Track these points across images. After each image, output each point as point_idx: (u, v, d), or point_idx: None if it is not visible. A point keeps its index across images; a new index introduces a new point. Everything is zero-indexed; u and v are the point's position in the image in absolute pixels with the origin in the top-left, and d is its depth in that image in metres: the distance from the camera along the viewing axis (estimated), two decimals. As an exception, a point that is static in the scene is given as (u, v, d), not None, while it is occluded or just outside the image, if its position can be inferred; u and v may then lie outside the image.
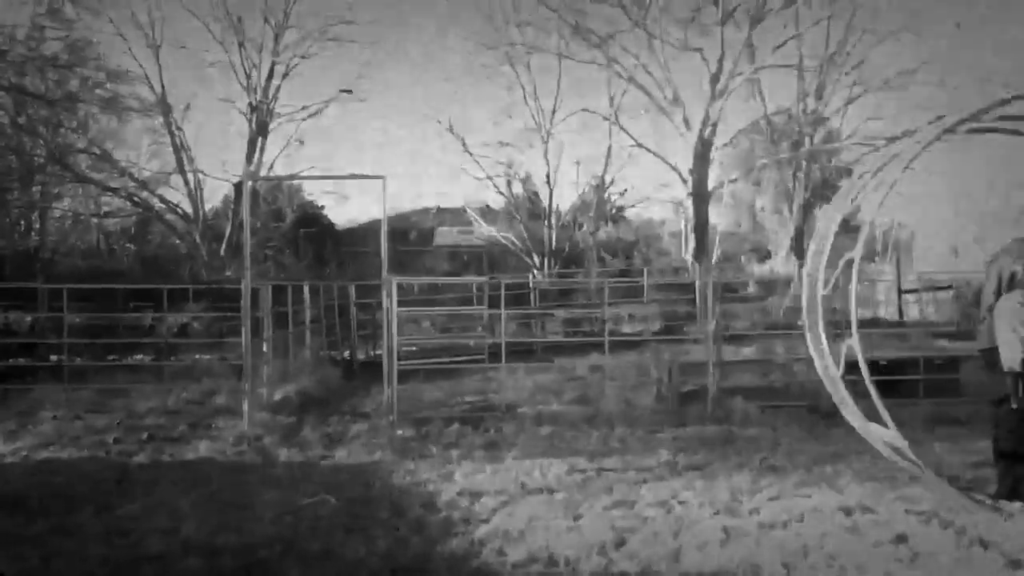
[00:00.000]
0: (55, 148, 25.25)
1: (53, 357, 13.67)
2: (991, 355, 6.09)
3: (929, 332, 17.04)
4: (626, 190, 37.71)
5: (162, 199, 28.47)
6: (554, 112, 30.40)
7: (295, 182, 38.25)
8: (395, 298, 10.02)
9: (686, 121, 27.73)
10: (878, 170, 6.61)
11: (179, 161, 27.97)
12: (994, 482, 6.34)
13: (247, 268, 10.35)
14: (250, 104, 28.43)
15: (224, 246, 27.74)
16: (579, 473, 7.39)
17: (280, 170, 30.14)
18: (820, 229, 7.23)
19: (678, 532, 5.69)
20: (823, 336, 6.67)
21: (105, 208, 30.70)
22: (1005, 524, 5.65)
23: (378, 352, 15.04)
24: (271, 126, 29.02)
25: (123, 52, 28.44)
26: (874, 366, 10.55)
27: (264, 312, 11.56)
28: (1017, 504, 5.91)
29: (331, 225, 40.08)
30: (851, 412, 6.59)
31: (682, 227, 31.57)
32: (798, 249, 28.08)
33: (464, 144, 30.78)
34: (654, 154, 29.47)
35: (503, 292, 11.73)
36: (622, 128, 29.80)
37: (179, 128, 27.95)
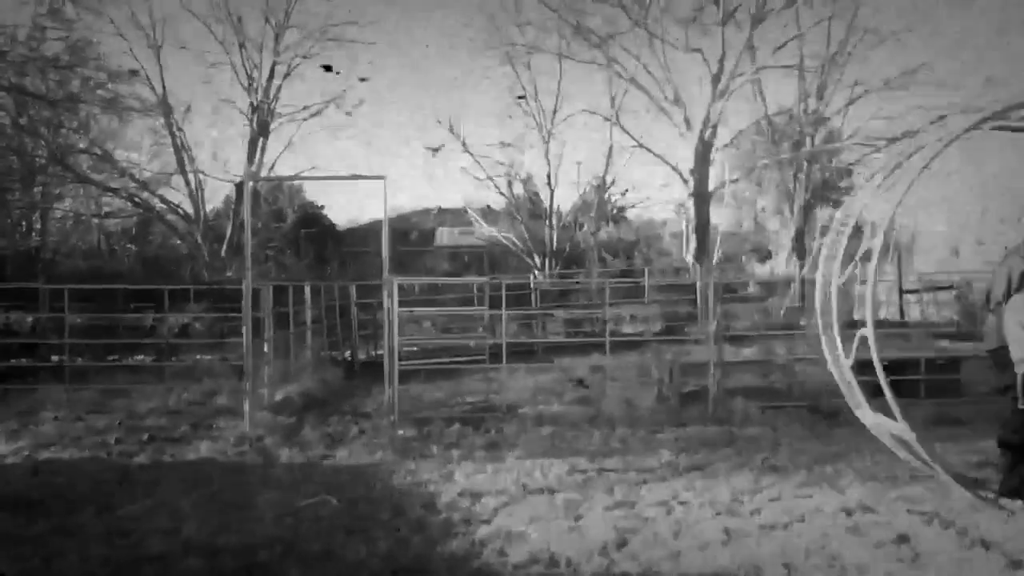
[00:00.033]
0: (56, 149, 25.27)
1: (54, 357, 13.68)
2: (1000, 355, 6.09)
3: (930, 332, 17.02)
4: (627, 190, 37.68)
5: (163, 200, 28.50)
6: (555, 112, 30.45)
7: (296, 182, 38.29)
8: (396, 298, 10.03)
9: (687, 121, 27.73)
10: (894, 168, 6.61)
11: (180, 162, 27.99)
12: (995, 482, 6.34)
13: (248, 268, 10.36)
14: (251, 104, 28.45)
15: (225, 246, 27.75)
16: (580, 473, 7.39)
17: (281, 170, 30.16)
18: (832, 232, 7.23)
19: (679, 533, 5.69)
20: (838, 339, 6.67)
21: (106, 209, 30.72)
22: (1007, 524, 5.64)
23: (379, 352, 15.04)
24: (272, 126, 29.04)
25: (124, 52, 28.48)
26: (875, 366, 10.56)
27: (265, 312, 11.57)
28: (1019, 503, 5.90)
29: (332, 225, 40.11)
30: (867, 415, 6.59)
31: (683, 227, 31.54)
32: (799, 250, 28.08)
33: (465, 144, 30.81)
34: (655, 154, 29.49)
35: (504, 292, 11.73)
36: (623, 128, 29.84)
37: (180, 129, 28.00)
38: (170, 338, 15.31)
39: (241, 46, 28.24)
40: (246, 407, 9.80)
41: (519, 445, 8.61)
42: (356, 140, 71.02)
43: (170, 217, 29.08)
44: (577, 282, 28.37)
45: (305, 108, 29.52)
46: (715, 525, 5.82)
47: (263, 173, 28.22)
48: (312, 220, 38.03)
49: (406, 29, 64.16)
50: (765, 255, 36.36)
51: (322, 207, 40.68)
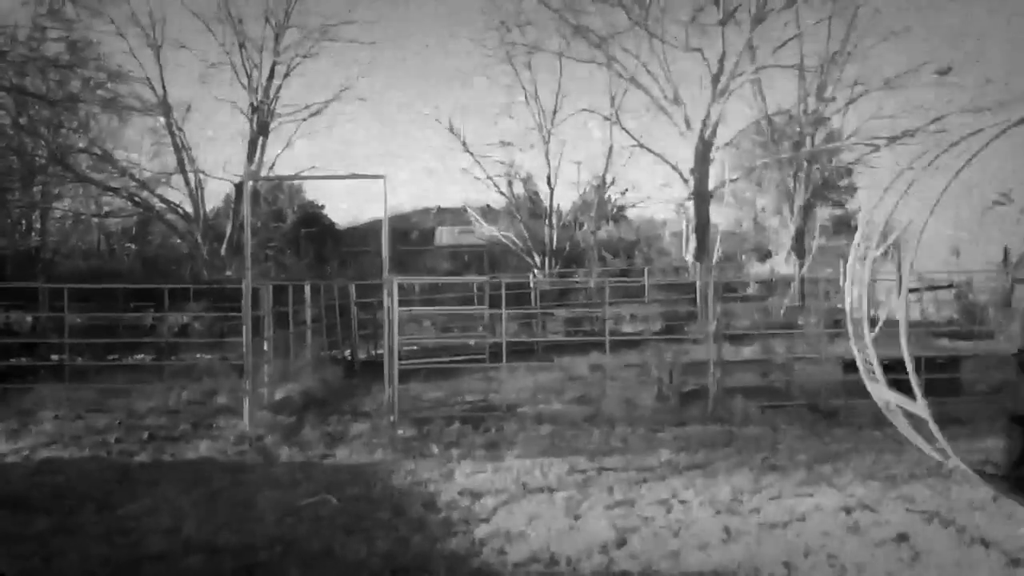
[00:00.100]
0: (56, 148, 25.25)
1: (54, 357, 13.68)
2: None
3: (930, 331, 17.04)
4: (627, 190, 37.65)
5: (163, 199, 28.46)
6: (555, 112, 30.42)
7: (296, 182, 38.27)
8: (396, 298, 10.03)
9: (687, 121, 27.69)
10: (932, 161, 6.65)
11: (180, 161, 27.97)
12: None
13: (248, 268, 10.36)
14: (251, 104, 28.43)
15: (225, 246, 27.72)
16: (580, 473, 7.40)
17: (281, 170, 30.13)
18: (861, 234, 7.30)
19: (679, 531, 5.69)
20: (871, 346, 6.74)
21: (106, 208, 30.68)
22: (1006, 523, 5.65)
23: (379, 352, 15.04)
24: (272, 126, 29.02)
25: (124, 52, 28.44)
26: (870, 369, 10.58)
27: (265, 312, 11.57)
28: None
29: (332, 225, 40.10)
30: (882, 390, 6.66)
31: (683, 227, 31.51)
32: (799, 249, 28.05)
33: (465, 144, 30.79)
34: (655, 154, 29.44)
35: (504, 292, 11.73)
36: (623, 128, 29.79)
37: (180, 128, 27.96)
38: (170, 337, 15.32)
39: (241, 46, 28.22)
40: (246, 406, 9.80)
41: (519, 444, 8.62)
42: (356, 139, 70.96)
43: (170, 216, 29.05)
44: (577, 281, 28.36)
45: (306, 107, 29.53)
46: (715, 524, 5.82)
47: (263, 173, 28.20)
48: (312, 219, 38.03)
49: (406, 28, 64.17)
50: (765, 254, 36.34)
51: (322, 206, 40.71)
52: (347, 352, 16.12)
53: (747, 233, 38.33)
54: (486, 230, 33.30)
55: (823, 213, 35.19)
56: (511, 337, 14.66)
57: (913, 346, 7.27)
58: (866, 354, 6.80)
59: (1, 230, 25.31)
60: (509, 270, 33.21)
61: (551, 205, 31.29)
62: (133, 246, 34.30)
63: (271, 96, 28.77)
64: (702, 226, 27.85)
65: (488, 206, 34.59)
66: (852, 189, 39.69)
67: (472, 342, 15.72)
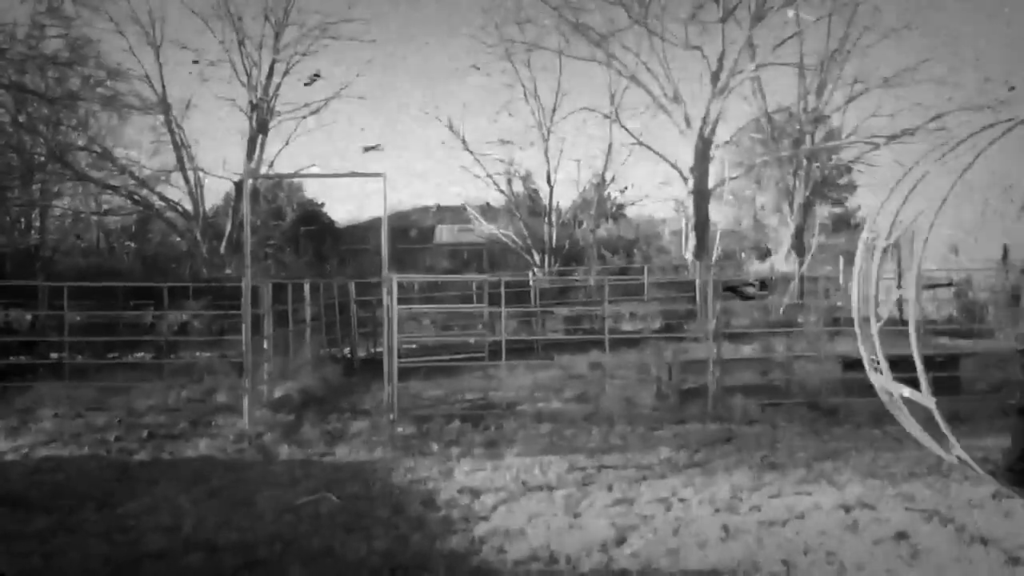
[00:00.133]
0: (55, 146, 25.24)
1: (54, 355, 13.69)
2: None
3: (929, 329, 17.03)
4: (626, 188, 37.71)
5: (162, 197, 28.47)
6: (554, 110, 30.43)
7: (295, 180, 38.24)
8: (395, 296, 10.03)
9: (687, 119, 27.71)
10: (941, 158, 6.68)
11: (179, 159, 27.97)
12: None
13: (247, 266, 10.35)
14: (250, 102, 28.42)
15: (224, 244, 27.72)
16: (579, 471, 7.40)
17: (280, 168, 30.12)
18: (868, 231, 7.36)
19: (678, 530, 5.70)
20: (877, 337, 6.79)
21: (105, 206, 30.69)
22: (1005, 521, 5.66)
23: (378, 350, 15.04)
24: (271, 124, 29.02)
25: (123, 50, 28.41)
26: (875, 364, 10.59)
27: (264, 310, 11.57)
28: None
29: (331, 223, 40.10)
30: (887, 380, 6.74)
31: (682, 225, 31.52)
32: (799, 247, 28.06)
33: (464, 142, 30.79)
34: (654, 152, 29.49)
35: (503, 290, 11.73)
36: (622, 126, 29.82)
37: (179, 126, 27.96)
38: (169, 335, 15.32)
39: (241, 44, 28.22)
40: (245, 404, 9.80)
41: (518, 442, 8.62)
42: (355, 137, 70.83)
43: (169, 214, 29.06)
44: (576, 279, 28.36)
45: (306, 105, 29.53)
46: (714, 522, 5.83)
47: (262, 171, 28.20)
48: (311, 217, 38.03)
49: (406, 26, 64.07)
50: (764, 253, 36.34)
51: (321, 204, 40.70)
52: (346, 350, 16.11)
53: (747, 231, 38.33)
54: (486, 228, 33.31)
55: (822, 211, 35.19)
56: (510, 335, 14.67)
57: (908, 346, 7.29)
58: (871, 346, 6.83)
59: (1, 228, 25.29)
60: (508, 268, 33.21)
61: (551, 203, 31.32)
62: (133, 244, 34.29)
63: (271, 94, 28.77)
64: (701, 224, 27.87)
65: (488, 204, 34.61)
66: (852, 187, 39.73)
67: (472, 340, 15.72)
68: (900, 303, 8.30)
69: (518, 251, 31.79)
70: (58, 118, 25.37)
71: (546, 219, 31.13)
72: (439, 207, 45.61)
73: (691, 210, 27.99)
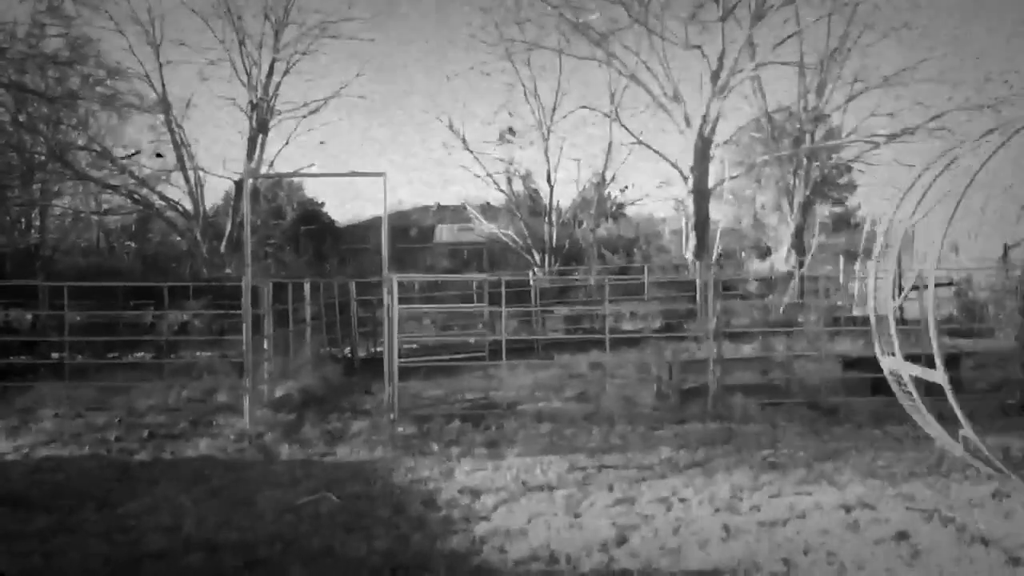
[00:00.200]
0: (55, 145, 25.25)
1: (54, 355, 13.69)
2: None
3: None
4: (627, 187, 37.78)
5: (162, 196, 28.48)
6: (554, 109, 30.43)
7: (295, 179, 38.24)
8: (396, 295, 10.03)
9: (687, 118, 27.70)
10: (950, 164, 6.71)
11: (179, 158, 27.97)
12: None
13: (248, 265, 10.35)
14: (251, 101, 28.42)
15: (224, 243, 27.72)
16: (580, 470, 7.40)
17: (280, 167, 30.13)
18: (888, 238, 7.45)
19: (679, 529, 5.70)
20: (892, 317, 6.85)
21: (105, 205, 30.71)
22: (1005, 521, 5.66)
23: (379, 349, 15.04)
24: (271, 123, 29.01)
25: (122, 49, 28.40)
26: (875, 363, 10.59)
27: (265, 309, 11.57)
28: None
29: (331, 222, 40.11)
30: (898, 362, 6.87)
31: (682, 224, 31.52)
32: (799, 246, 28.06)
33: (464, 141, 30.78)
34: (655, 151, 29.49)
35: (503, 289, 11.73)
36: (623, 125, 29.82)
37: (179, 125, 27.96)
38: (169, 335, 15.32)
39: (241, 43, 28.21)
40: (246, 404, 9.80)
41: (519, 442, 8.62)
42: (355, 136, 70.91)
43: (169, 214, 29.06)
44: (576, 279, 28.36)
45: (305, 105, 29.52)
46: (715, 522, 5.83)
47: (263, 170, 28.20)
48: (311, 217, 38.05)
49: (406, 26, 64.09)
50: (764, 252, 36.34)
51: (322, 204, 40.72)
52: (347, 350, 16.12)
53: (747, 230, 38.33)
54: (486, 227, 33.31)
55: (823, 210, 35.20)
56: (511, 335, 14.68)
57: (912, 344, 7.33)
58: (885, 336, 6.92)
59: (1, 227, 25.30)
60: (508, 268, 33.22)
61: (551, 202, 31.32)
62: (133, 244, 34.32)
63: (271, 93, 28.77)
64: (701, 223, 27.85)
65: (488, 203, 34.61)
66: (852, 186, 39.77)
67: (472, 340, 15.73)
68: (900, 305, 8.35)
69: (518, 250, 31.80)
70: (58, 117, 25.38)
71: (546, 218, 31.13)
72: (439, 206, 45.62)
73: (691, 209, 27.98)
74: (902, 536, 5.40)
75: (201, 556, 5.30)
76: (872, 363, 11.15)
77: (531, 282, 22.79)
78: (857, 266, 26.58)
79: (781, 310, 20.94)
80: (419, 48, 69.55)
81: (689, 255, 27.89)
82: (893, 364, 7.06)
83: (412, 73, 68.41)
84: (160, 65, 27.28)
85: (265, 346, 11.56)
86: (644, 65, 28.07)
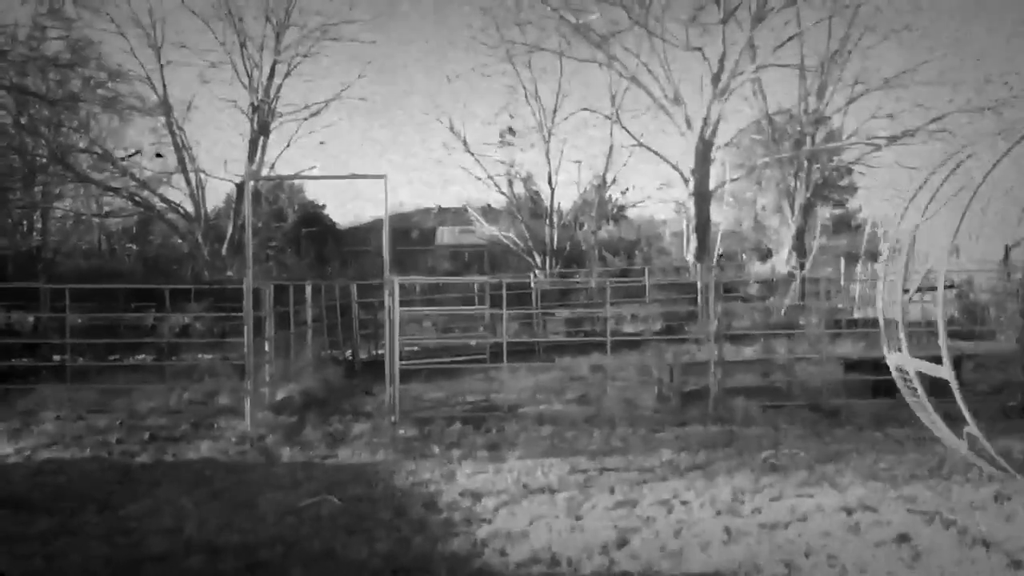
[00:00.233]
0: (57, 148, 25.26)
1: (56, 357, 13.69)
2: None
3: (930, 330, 17.00)
4: (627, 189, 37.73)
5: (163, 199, 28.47)
6: (555, 111, 30.40)
7: (296, 182, 38.26)
8: (397, 298, 10.03)
9: (687, 120, 27.67)
10: (956, 168, 6.76)
11: (180, 161, 27.98)
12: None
13: (249, 268, 10.36)
14: (252, 104, 28.44)
15: (226, 246, 27.73)
16: (581, 473, 7.40)
17: (281, 169, 30.13)
18: (901, 240, 7.53)
19: (680, 532, 5.70)
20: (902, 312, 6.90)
21: (107, 208, 30.71)
22: (1007, 524, 5.66)
23: (380, 352, 15.04)
24: (273, 125, 29.02)
25: (123, 51, 28.41)
26: (875, 366, 10.59)
27: (266, 312, 11.57)
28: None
29: (333, 224, 40.12)
30: (904, 358, 6.97)
31: (683, 227, 31.51)
32: (800, 248, 28.04)
33: (465, 143, 30.77)
34: (655, 153, 29.47)
35: (504, 292, 11.73)
36: (623, 127, 29.80)
37: (180, 128, 27.97)
38: (171, 338, 15.32)
39: (242, 45, 28.23)
40: (247, 406, 9.81)
41: (520, 445, 8.62)
42: (356, 138, 70.98)
43: (171, 216, 29.06)
44: (578, 281, 28.35)
45: (306, 107, 29.54)
46: (716, 524, 5.83)
47: (264, 172, 28.20)
48: (313, 219, 38.05)
49: (407, 27, 64.15)
50: (765, 254, 36.32)
51: (323, 206, 40.73)
52: (348, 352, 16.12)
53: (748, 232, 38.31)
54: (487, 230, 33.29)
55: (823, 212, 35.16)
56: (512, 337, 14.67)
57: (914, 346, 7.33)
58: (893, 328, 6.97)
59: (2, 230, 25.33)
60: (510, 270, 33.21)
61: (552, 205, 31.28)
62: (134, 246, 34.33)
63: (272, 95, 28.77)
64: (702, 226, 27.83)
65: (489, 206, 34.58)
66: (853, 188, 39.70)
67: (473, 342, 15.73)
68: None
69: (519, 253, 31.78)
70: (59, 120, 25.40)
71: (547, 221, 31.10)
72: (440, 209, 45.60)
73: (692, 211, 27.96)
74: (903, 538, 5.39)
75: (202, 558, 5.30)
76: (873, 365, 11.17)
77: (532, 284, 22.79)
78: (858, 268, 26.59)
79: (782, 312, 20.94)
80: (420, 49, 69.55)
81: (690, 257, 27.87)
82: (899, 360, 7.09)
83: (413, 75, 68.46)
84: (161, 67, 27.33)
85: (266, 348, 11.57)
86: (645, 67, 28.09)
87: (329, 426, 9.75)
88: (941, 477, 6.97)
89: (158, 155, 27.69)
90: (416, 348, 15.78)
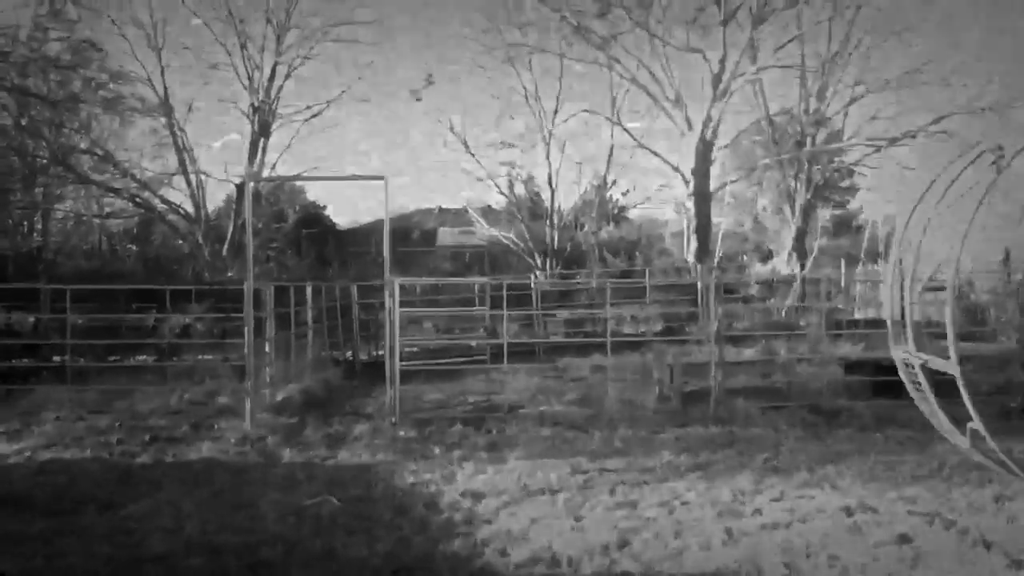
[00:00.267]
0: (58, 149, 25.26)
1: (56, 358, 13.69)
2: None
3: (930, 332, 16.99)
4: (628, 190, 37.67)
5: (164, 200, 28.47)
6: (556, 112, 30.40)
7: (297, 183, 38.24)
8: (397, 299, 10.04)
9: (688, 121, 27.70)
10: (963, 170, 6.81)
11: (181, 162, 27.97)
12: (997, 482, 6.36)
13: (250, 269, 10.37)
14: (252, 105, 28.43)
15: (226, 247, 27.71)
16: (581, 474, 7.40)
17: (282, 170, 30.10)
18: (905, 236, 7.57)
19: (680, 532, 5.69)
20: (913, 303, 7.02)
21: (107, 209, 30.68)
22: (1007, 525, 5.66)
23: (380, 353, 15.04)
24: (273, 127, 29.02)
25: (124, 53, 28.35)
26: (876, 367, 10.59)
27: (266, 313, 11.57)
28: None
29: (333, 225, 40.12)
30: (911, 351, 6.99)
31: (684, 227, 31.50)
32: (800, 249, 28.05)
33: (466, 145, 30.78)
34: (656, 154, 29.51)
35: (505, 293, 11.73)
36: (624, 128, 29.82)
37: (181, 129, 27.96)
38: (171, 338, 15.31)
39: (242, 47, 28.23)
40: (247, 407, 9.81)
41: (520, 445, 8.62)
42: (357, 140, 70.99)
43: (171, 217, 29.04)
44: (578, 282, 28.35)
45: (307, 108, 29.53)
46: (716, 525, 5.83)
47: (264, 173, 28.19)
48: (313, 220, 38.04)
49: (408, 29, 64.16)
50: (766, 255, 36.31)
51: (323, 207, 40.72)
52: (348, 353, 16.12)
53: (748, 233, 38.31)
54: (487, 231, 33.29)
55: (824, 214, 35.17)
56: (512, 338, 14.66)
57: (915, 347, 7.34)
58: (904, 310, 7.00)
59: (3, 231, 25.33)
60: (510, 271, 33.20)
61: (552, 206, 31.28)
62: (135, 247, 34.32)
63: (272, 97, 28.78)
64: (703, 226, 27.84)
65: (489, 207, 34.60)
66: (853, 190, 39.72)
67: (473, 343, 15.73)
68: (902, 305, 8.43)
69: (520, 254, 31.78)
70: (60, 121, 25.39)
71: (548, 221, 31.10)
72: (441, 209, 45.60)
73: (692, 212, 27.97)
74: (904, 539, 5.39)
75: (203, 559, 5.30)
76: (874, 366, 11.18)
77: (532, 285, 22.79)
78: (858, 269, 26.59)
79: (783, 313, 20.94)
80: (422, 51, 69.57)
81: (690, 258, 27.87)
82: (906, 353, 7.11)
83: (413, 76, 68.49)
84: (162, 69, 27.34)
85: (267, 349, 11.57)
86: (646, 69, 28.11)
87: (329, 427, 9.75)
88: (941, 478, 6.97)
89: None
90: (416, 349, 15.78)
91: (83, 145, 26.68)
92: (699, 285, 20.38)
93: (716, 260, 28.67)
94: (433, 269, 38.49)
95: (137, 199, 28.17)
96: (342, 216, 44.63)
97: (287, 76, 28.95)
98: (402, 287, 10.26)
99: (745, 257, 37.81)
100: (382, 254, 10.49)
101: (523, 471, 7.50)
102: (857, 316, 21.30)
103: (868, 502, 6.22)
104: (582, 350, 15.10)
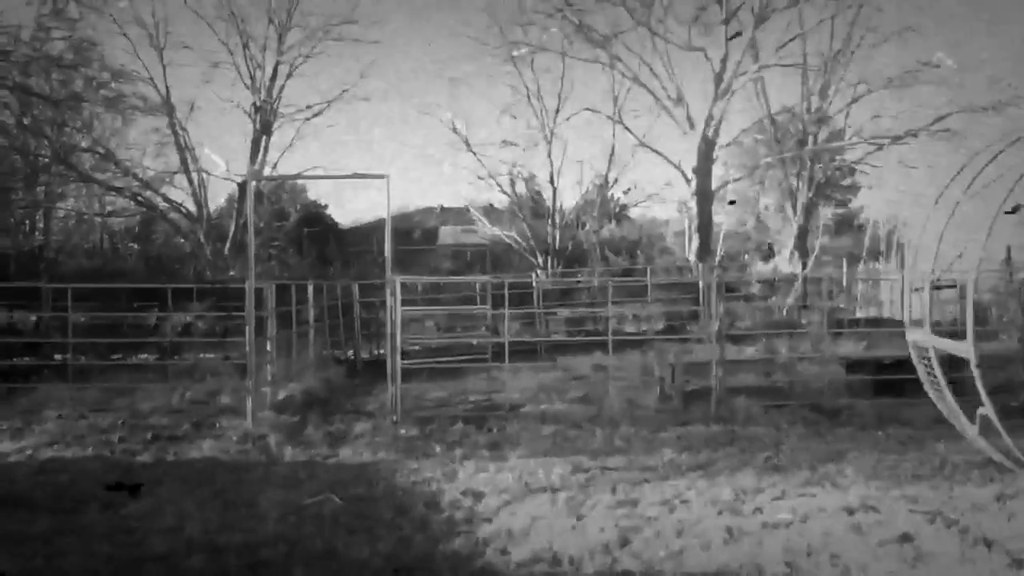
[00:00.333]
0: (59, 148, 25.27)
1: (58, 356, 13.71)
2: None
3: (933, 331, 16.96)
4: (629, 189, 37.65)
5: (166, 198, 28.50)
6: (557, 111, 30.36)
7: (299, 181, 38.26)
8: (399, 297, 10.04)
9: (690, 120, 27.65)
10: (994, 156, 6.85)
11: (183, 160, 27.99)
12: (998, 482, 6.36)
13: (251, 267, 10.37)
14: (254, 104, 28.44)
15: (228, 245, 27.74)
16: (583, 472, 7.40)
17: (284, 169, 30.12)
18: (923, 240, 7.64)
19: (681, 531, 5.69)
20: (927, 303, 7.29)
21: (109, 207, 30.70)
22: (1009, 524, 5.65)
23: (382, 351, 15.04)
24: (275, 126, 29.03)
25: (126, 51, 28.39)
26: (877, 365, 10.59)
27: (268, 311, 11.58)
28: None
29: (335, 224, 40.11)
30: (926, 334, 7.13)
31: (686, 226, 31.47)
32: (802, 248, 28.00)
33: (467, 143, 30.76)
34: (657, 153, 29.47)
35: (506, 291, 11.72)
36: (626, 127, 29.78)
37: (183, 128, 27.98)
38: (173, 337, 15.33)
39: (244, 46, 28.24)
40: (249, 406, 9.81)
41: (521, 444, 8.62)
42: (358, 139, 70.98)
43: (173, 216, 29.07)
44: (579, 281, 28.34)
45: (309, 107, 29.53)
46: (718, 524, 5.82)
47: (266, 172, 28.21)
48: (315, 219, 38.04)
49: (409, 28, 64.16)
50: (767, 254, 36.27)
51: (325, 206, 40.72)
52: (350, 352, 16.12)
53: (750, 232, 38.28)
54: (489, 230, 33.28)
55: (826, 212, 35.11)
56: (514, 337, 14.66)
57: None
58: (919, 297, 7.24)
59: (5, 229, 25.34)
60: (512, 270, 33.18)
61: (554, 204, 31.28)
62: (136, 246, 34.31)
63: (274, 96, 28.79)
64: (705, 225, 27.80)
65: (491, 205, 34.56)
66: (855, 188, 39.64)
67: (475, 342, 15.72)
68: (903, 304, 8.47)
69: (521, 252, 31.77)
70: (62, 120, 25.40)
71: (549, 220, 31.09)
72: (443, 208, 45.60)
73: (694, 211, 27.94)
74: (905, 538, 5.38)
75: (204, 557, 5.31)
76: (875, 365, 11.16)
77: (534, 284, 22.78)
78: (860, 268, 26.56)
79: (784, 312, 20.91)
80: (423, 50, 69.57)
81: (692, 257, 27.84)
82: (920, 336, 7.12)
83: (415, 75, 68.46)
84: (164, 68, 27.35)
85: (268, 348, 11.57)
86: (647, 67, 28.07)
87: (331, 425, 9.76)
88: (943, 477, 6.96)
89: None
90: (418, 347, 15.77)
91: (85, 144, 26.69)
92: (700, 284, 20.36)
93: (717, 259, 28.62)
94: (434, 268, 38.48)
95: (139, 198, 28.19)
96: (343, 215, 44.56)
97: (288, 75, 28.98)
98: (403, 285, 10.27)
99: (747, 256, 37.79)
100: (383, 253, 10.48)
101: (524, 470, 7.50)
102: (859, 315, 21.28)
103: (869, 501, 6.21)
104: (584, 349, 15.08)
